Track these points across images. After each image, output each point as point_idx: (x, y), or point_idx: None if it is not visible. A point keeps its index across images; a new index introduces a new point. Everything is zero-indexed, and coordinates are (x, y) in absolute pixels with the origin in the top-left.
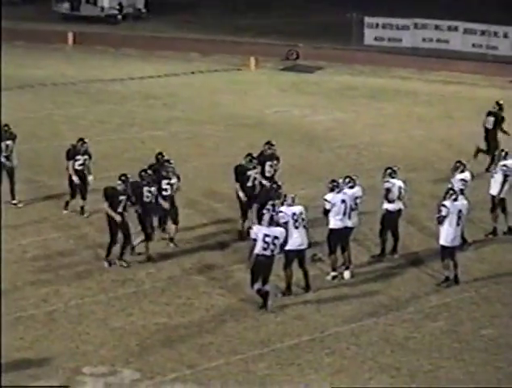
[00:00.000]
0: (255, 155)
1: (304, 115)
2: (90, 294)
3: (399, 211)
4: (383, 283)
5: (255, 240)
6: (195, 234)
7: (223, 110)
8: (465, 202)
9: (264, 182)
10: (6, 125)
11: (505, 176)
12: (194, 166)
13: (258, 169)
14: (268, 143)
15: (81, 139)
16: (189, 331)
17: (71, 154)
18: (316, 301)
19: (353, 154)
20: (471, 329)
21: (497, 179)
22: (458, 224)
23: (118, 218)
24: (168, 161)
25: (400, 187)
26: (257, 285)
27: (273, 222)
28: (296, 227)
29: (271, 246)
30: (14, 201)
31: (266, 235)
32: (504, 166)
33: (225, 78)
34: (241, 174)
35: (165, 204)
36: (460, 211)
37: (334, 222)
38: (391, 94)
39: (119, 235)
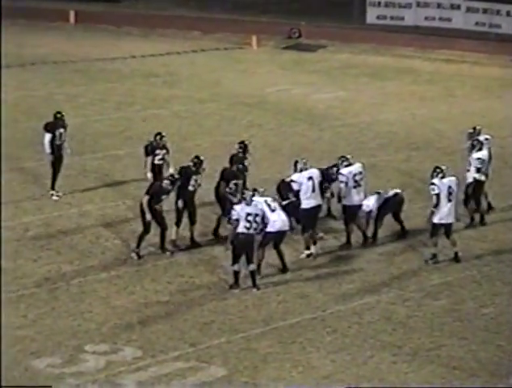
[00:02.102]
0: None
1: (305, 93)
2: (92, 272)
3: (395, 195)
4: (384, 262)
5: (237, 220)
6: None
7: (224, 88)
8: (453, 178)
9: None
10: (59, 112)
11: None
12: (195, 145)
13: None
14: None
15: (158, 133)
16: (191, 309)
17: (150, 149)
18: (319, 280)
19: (354, 133)
20: (472, 307)
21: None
22: (449, 200)
23: (148, 217)
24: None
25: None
26: (237, 266)
27: (251, 201)
28: (273, 210)
29: (254, 225)
30: (51, 192)
31: (249, 214)
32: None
33: (227, 56)
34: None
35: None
36: (450, 187)
37: (307, 202)
38: (393, 73)
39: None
